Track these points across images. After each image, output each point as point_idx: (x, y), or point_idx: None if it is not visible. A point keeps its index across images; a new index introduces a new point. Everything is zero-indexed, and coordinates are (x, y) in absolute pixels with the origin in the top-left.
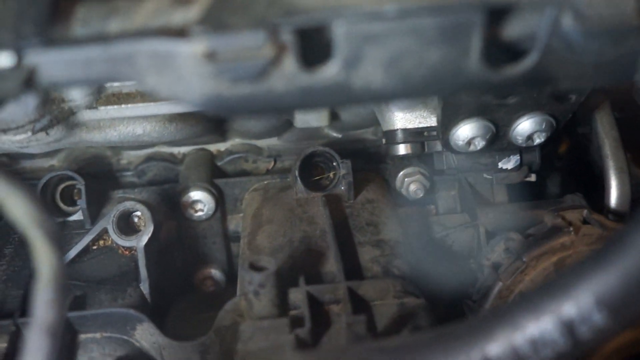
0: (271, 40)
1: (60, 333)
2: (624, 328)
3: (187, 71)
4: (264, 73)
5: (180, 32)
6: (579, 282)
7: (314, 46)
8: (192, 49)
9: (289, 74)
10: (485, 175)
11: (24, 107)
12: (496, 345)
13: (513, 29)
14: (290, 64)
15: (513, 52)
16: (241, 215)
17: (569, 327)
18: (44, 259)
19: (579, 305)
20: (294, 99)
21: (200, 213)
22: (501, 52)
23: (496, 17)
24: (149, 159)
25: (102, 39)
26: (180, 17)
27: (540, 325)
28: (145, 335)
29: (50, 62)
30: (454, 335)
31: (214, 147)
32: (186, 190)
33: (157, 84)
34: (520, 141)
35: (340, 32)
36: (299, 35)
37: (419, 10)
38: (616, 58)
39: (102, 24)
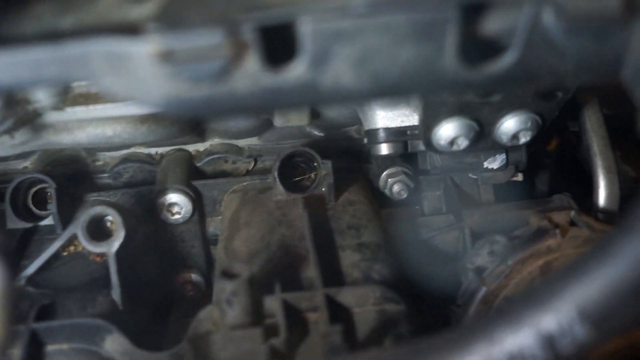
0: (231, 39)
1: (7, 351)
2: (607, 340)
3: (144, 72)
4: (225, 73)
5: (134, 30)
6: (560, 293)
7: (278, 44)
8: (146, 49)
9: (252, 73)
10: (470, 175)
11: None
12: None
13: (491, 26)
14: (252, 63)
15: (492, 49)
16: (220, 217)
17: (549, 341)
18: None
19: (559, 317)
20: (259, 99)
21: (177, 216)
22: (480, 49)
23: (472, 13)
24: (125, 160)
25: (54, 37)
26: (137, 12)
27: (519, 339)
28: (115, 345)
29: None
30: (429, 350)
31: (192, 148)
32: (162, 192)
33: (113, 85)
34: (505, 140)
35: (306, 30)
36: (262, 32)
37: (390, 5)
38: (600, 54)
39: (55, 21)
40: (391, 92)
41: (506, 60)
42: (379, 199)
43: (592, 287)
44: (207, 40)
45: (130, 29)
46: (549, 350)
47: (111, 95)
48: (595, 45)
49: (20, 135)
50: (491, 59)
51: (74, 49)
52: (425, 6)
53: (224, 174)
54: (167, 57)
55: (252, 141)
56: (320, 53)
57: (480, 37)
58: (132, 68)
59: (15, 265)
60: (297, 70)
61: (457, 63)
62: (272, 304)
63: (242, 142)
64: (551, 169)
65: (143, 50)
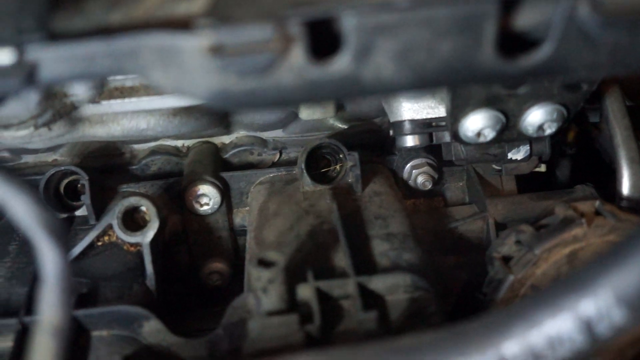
0: (279, 33)
1: (66, 334)
2: None
3: (193, 65)
4: (272, 66)
5: (185, 25)
6: (598, 278)
7: (323, 38)
8: (197, 43)
9: (297, 67)
10: (494, 166)
11: (26, 103)
12: (512, 344)
13: (528, 19)
14: (298, 56)
15: (529, 42)
16: (247, 209)
17: (587, 325)
18: (49, 259)
19: (598, 302)
20: (303, 92)
21: (205, 207)
22: (517, 42)
23: (510, 6)
24: (154, 152)
25: (104, 32)
26: (185, 8)
27: (558, 323)
28: (153, 332)
29: (51, 58)
30: (468, 333)
31: (218, 140)
32: (191, 184)
33: (162, 78)
34: (530, 131)
35: (350, 24)
36: (308, 27)
37: (430, 0)
38: (634, 48)
39: (105, 16)
40: (431, 84)
41: (542, 53)
42: (403, 190)
43: (629, 272)
44: (256, 34)
45: (181, 24)
46: (587, 334)
47: (159, 88)
48: (630, 39)
49: (58, 128)
50: (528, 51)
51: (125, 43)
52: (464, 0)
53: (249, 166)
54: (218, 51)
55: (276, 133)
56: (364, 47)
57: (517, 30)
58: (182, 62)
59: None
60: (340, 64)
61: (495, 56)
62: (306, 291)
63: (267, 135)
64: (572, 159)
65: (194, 45)
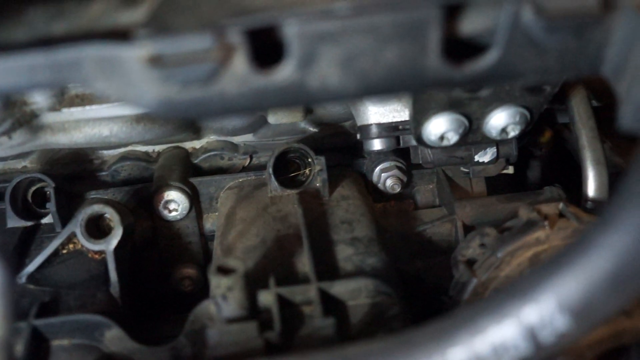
0: (219, 43)
1: (10, 346)
2: (587, 332)
3: (135, 75)
4: (214, 76)
5: (125, 36)
6: (540, 285)
7: (268, 46)
8: (137, 54)
9: (240, 76)
10: (462, 168)
11: None
12: (458, 351)
13: (472, 25)
14: (241, 65)
15: (475, 48)
16: (217, 214)
17: (530, 332)
18: None
19: (540, 309)
20: (248, 100)
21: (174, 213)
22: (463, 48)
23: (453, 12)
24: (123, 158)
25: (47, 42)
26: (127, 18)
27: (502, 330)
28: (114, 340)
29: None
30: (415, 340)
31: (189, 145)
32: (159, 190)
33: (106, 88)
34: (494, 134)
35: (292, 32)
36: (249, 36)
37: (372, 7)
38: (581, 51)
39: (47, 27)
40: (377, 91)
41: (489, 58)
42: (373, 193)
43: (571, 279)
44: (195, 44)
45: (121, 35)
46: (530, 341)
47: (105, 98)
48: (576, 42)
49: (18, 136)
50: (474, 57)
51: (66, 54)
52: (406, 7)
53: (220, 171)
54: (157, 61)
55: (247, 138)
56: (307, 55)
57: (463, 36)
58: (124, 72)
59: (15, 264)
60: (285, 72)
61: (441, 62)
62: (267, 297)
63: (237, 139)
64: (543, 160)
65: (134, 55)
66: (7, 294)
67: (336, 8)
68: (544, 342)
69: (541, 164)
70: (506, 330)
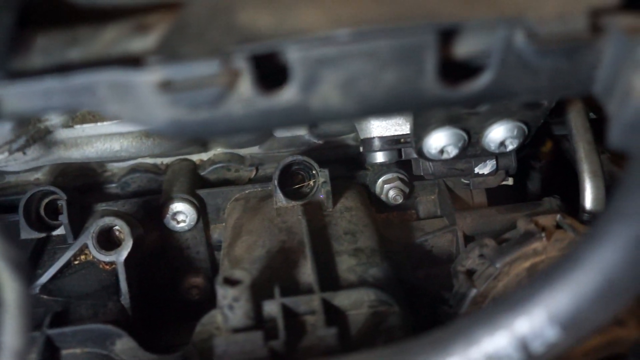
0: (224, 68)
1: (26, 357)
2: (577, 342)
3: (146, 99)
4: (221, 99)
5: (136, 62)
6: (531, 298)
7: (273, 70)
8: (148, 79)
9: (246, 98)
10: (462, 180)
11: None
12: None
13: (467, 48)
14: (246, 89)
15: (471, 69)
16: (224, 224)
17: (522, 343)
18: (10, 288)
19: (532, 320)
20: (254, 121)
21: (182, 224)
22: (458, 70)
23: (449, 37)
24: (133, 170)
25: (61, 69)
26: (138, 45)
27: (495, 341)
28: (125, 349)
29: (11, 94)
30: (412, 350)
31: (196, 157)
32: (167, 202)
33: (118, 111)
34: (493, 148)
35: (294, 57)
36: (254, 61)
37: (371, 33)
38: (572, 72)
39: (63, 53)
40: (377, 111)
41: (483, 80)
42: (376, 204)
43: (561, 292)
44: (202, 70)
45: (133, 61)
46: (522, 352)
47: (117, 119)
48: (567, 64)
49: (32, 152)
50: (469, 79)
51: (81, 79)
52: (403, 33)
53: (227, 182)
54: (167, 86)
55: (253, 150)
56: (309, 78)
57: (459, 58)
58: (136, 96)
59: (29, 275)
60: (288, 94)
61: (437, 84)
62: (272, 307)
63: (244, 151)
64: (543, 171)
65: (145, 80)
66: (23, 306)
67: (337, 34)
68: (535, 352)
69: (541, 174)
70: (499, 341)
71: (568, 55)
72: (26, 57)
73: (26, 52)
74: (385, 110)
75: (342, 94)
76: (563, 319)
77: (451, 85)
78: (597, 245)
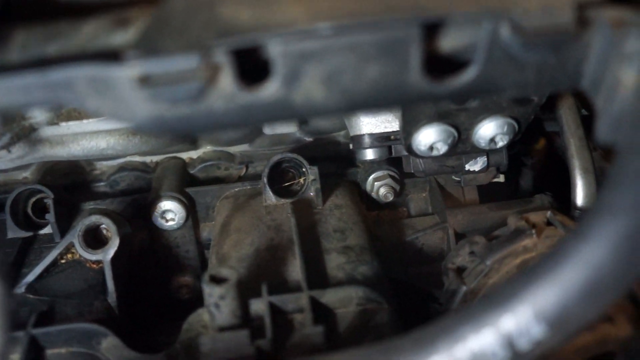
0: (205, 62)
1: (7, 357)
2: (564, 339)
3: (126, 94)
4: (202, 94)
5: (116, 57)
6: (517, 295)
7: (256, 64)
8: (127, 74)
9: (227, 93)
10: (453, 177)
11: None
12: (438, 358)
13: (452, 42)
14: (227, 84)
15: (457, 63)
16: (213, 223)
17: (508, 340)
18: None
19: (517, 318)
20: (236, 117)
21: (171, 222)
22: (444, 64)
23: (433, 30)
24: (122, 168)
25: (40, 63)
26: (118, 39)
27: (481, 338)
28: (110, 348)
29: None
30: (397, 347)
31: (186, 155)
32: (156, 200)
33: (99, 107)
34: (483, 144)
35: (276, 52)
36: (235, 55)
37: (354, 27)
38: (559, 66)
39: (42, 48)
40: (361, 106)
41: (469, 74)
42: (367, 202)
43: (546, 289)
44: (182, 64)
45: (112, 55)
46: (508, 349)
47: (97, 115)
48: (554, 58)
49: (17, 150)
50: (455, 73)
51: (59, 74)
52: (387, 26)
53: (217, 180)
54: (146, 81)
55: (243, 148)
56: (291, 72)
57: (443, 53)
58: (115, 91)
59: (14, 274)
60: (270, 89)
61: (422, 78)
62: (259, 306)
63: (234, 149)
64: (536, 168)
65: (124, 75)
66: (4, 305)
67: (319, 28)
68: (521, 349)
69: (534, 171)
70: (485, 338)
71: (554, 49)
72: (5, 52)
73: (5, 47)
74: (369, 105)
75: (325, 88)
76: (549, 316)
77: (437, 80)
78: (584, 240)
